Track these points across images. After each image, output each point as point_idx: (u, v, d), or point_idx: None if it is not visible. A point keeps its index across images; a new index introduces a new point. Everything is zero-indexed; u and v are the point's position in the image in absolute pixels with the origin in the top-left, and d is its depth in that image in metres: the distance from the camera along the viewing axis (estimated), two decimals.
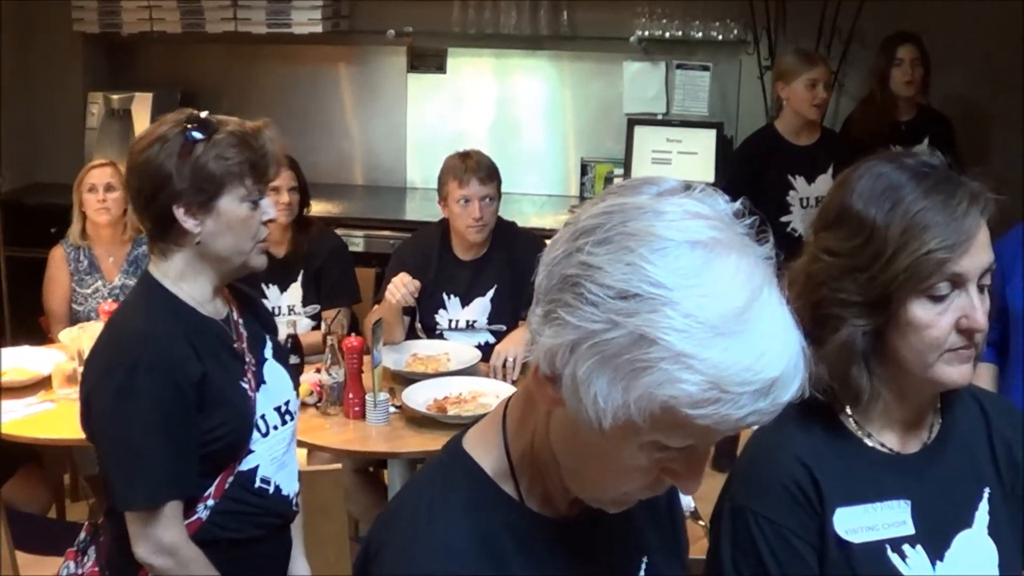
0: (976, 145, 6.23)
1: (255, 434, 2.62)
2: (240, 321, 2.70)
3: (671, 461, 1.29)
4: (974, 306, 1.71)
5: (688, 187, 1.29)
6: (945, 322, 1.71)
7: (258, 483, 2.65)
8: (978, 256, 1.71)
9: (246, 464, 2.61)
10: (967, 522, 1.87)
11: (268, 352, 2.76)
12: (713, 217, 1.24)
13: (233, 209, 2.54)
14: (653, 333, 1.17)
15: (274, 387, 2.72)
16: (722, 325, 1.17)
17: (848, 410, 1.84)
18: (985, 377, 3.48)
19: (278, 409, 2.71)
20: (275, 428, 2.68)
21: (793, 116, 5.40)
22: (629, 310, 1.18)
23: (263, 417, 2.65)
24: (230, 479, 2.59)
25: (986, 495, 1.89)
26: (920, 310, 1.71)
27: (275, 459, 2.68)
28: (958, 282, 1.71)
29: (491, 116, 6.93)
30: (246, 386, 2.62)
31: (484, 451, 1.45)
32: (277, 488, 2.69)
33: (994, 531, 1.87)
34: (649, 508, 1.54)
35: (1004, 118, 6.35)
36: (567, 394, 1.25)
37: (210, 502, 2.57)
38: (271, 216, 2.65)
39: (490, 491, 1.42)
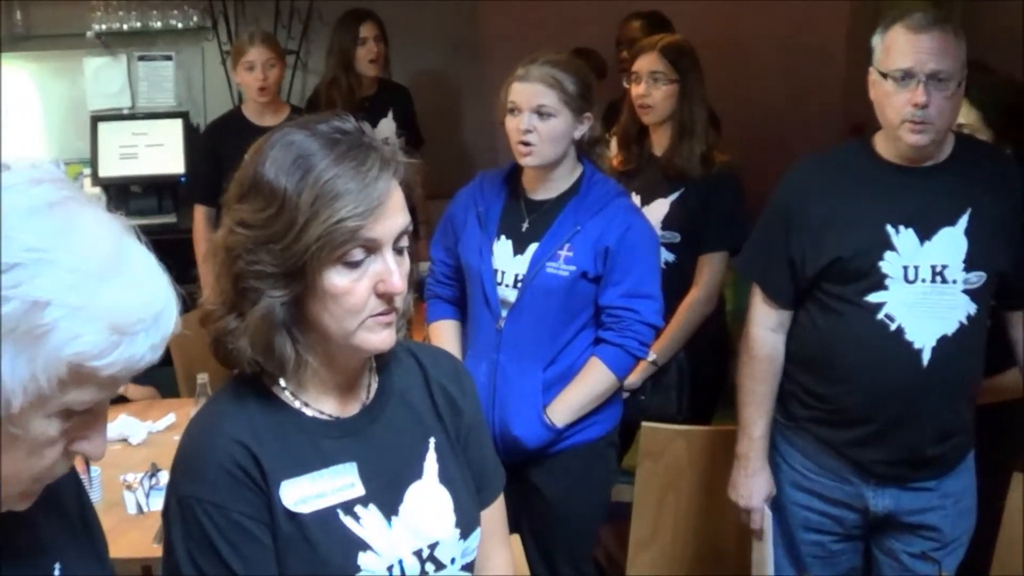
0: (444, 114, 6.62)
1: None
2: None
3: (78, 429, 1.31)
4: (390, 270, 1.73)
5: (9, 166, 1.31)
6: (362, 288, 1.73)
7: None
8: (391, 220, 1.72)
9: None
10: (417, 473, 1.93)
11: None
12: (56, 180, 1.29)
13: None
14: (44, 296, 1.19)
15: None
16: (103, 270, 1.23)
17: (282, 382, 1.84)
18: (446, 335, 3.56)
19: None
20: None
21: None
22: (14, 281, 1.19)
23: None
24: None
25: (432, 444, 1.96)
26: (337, 277, 1.71)
27: None
28: (372, 248, 1.72)
29: None
30: None
31: None
32: None
33: (445, 478, 1.95)
34: (58, 514, 1.54)
35: (467, 85, 6.78)
36: None
37: None
38: None
39: None
